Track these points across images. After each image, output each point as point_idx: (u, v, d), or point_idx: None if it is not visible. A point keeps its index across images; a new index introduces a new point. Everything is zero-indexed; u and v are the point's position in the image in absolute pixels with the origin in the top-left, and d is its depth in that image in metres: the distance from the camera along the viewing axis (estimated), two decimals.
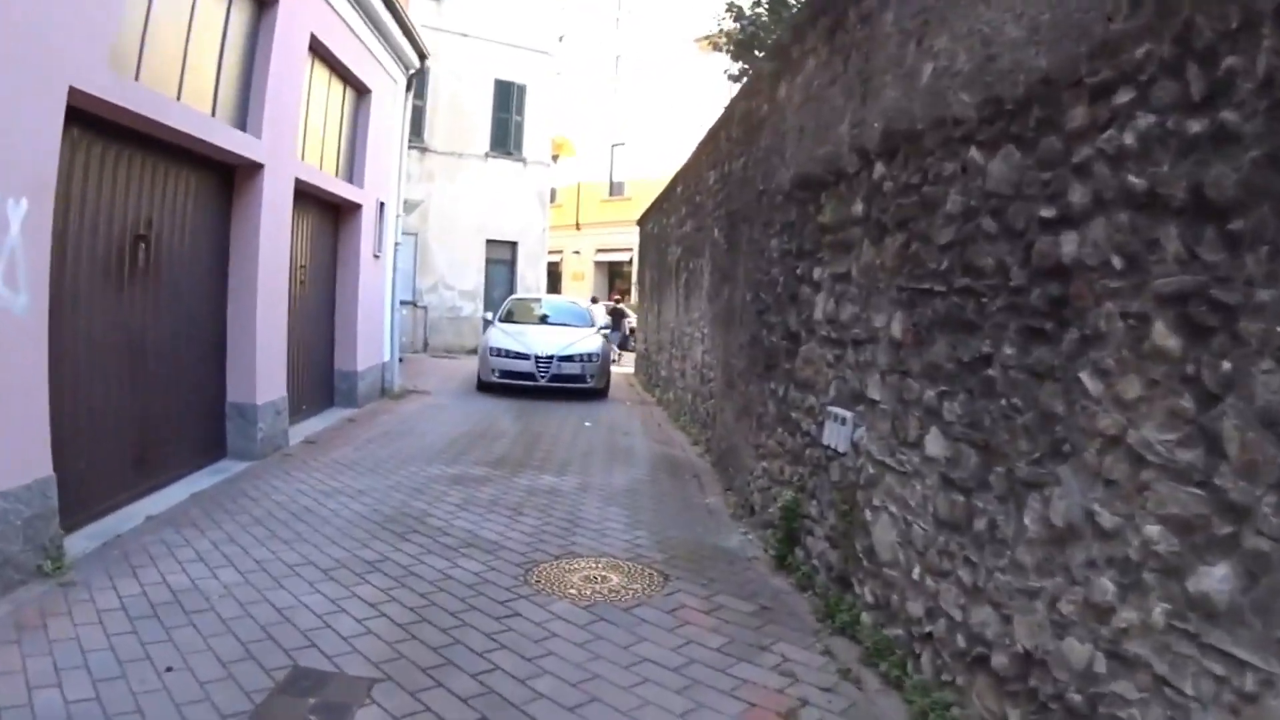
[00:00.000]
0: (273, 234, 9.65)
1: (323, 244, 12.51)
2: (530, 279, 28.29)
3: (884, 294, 4.99)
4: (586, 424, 13.20)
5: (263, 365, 9.55)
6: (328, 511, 7.46)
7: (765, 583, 6.20)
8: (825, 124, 6.15)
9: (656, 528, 7.50)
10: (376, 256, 13.99)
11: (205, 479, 8.50)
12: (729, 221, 9.96)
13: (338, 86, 12.46)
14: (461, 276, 26.58)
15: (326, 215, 12.60)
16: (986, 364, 3.91)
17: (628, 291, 41.79)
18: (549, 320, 18.40)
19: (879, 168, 5.15)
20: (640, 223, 22.40)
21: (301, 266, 11.56)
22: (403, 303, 25.20)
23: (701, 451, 11.17)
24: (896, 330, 4.80)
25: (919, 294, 4.56)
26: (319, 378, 12.58)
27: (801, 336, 6.48)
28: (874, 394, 5.08)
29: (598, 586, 5.86)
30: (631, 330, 33.25)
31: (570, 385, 16.08)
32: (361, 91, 13.26)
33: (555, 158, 30.35)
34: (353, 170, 13.13)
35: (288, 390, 10.48)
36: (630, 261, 40.26)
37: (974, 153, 4.10)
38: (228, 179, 9.22)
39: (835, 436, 5.59)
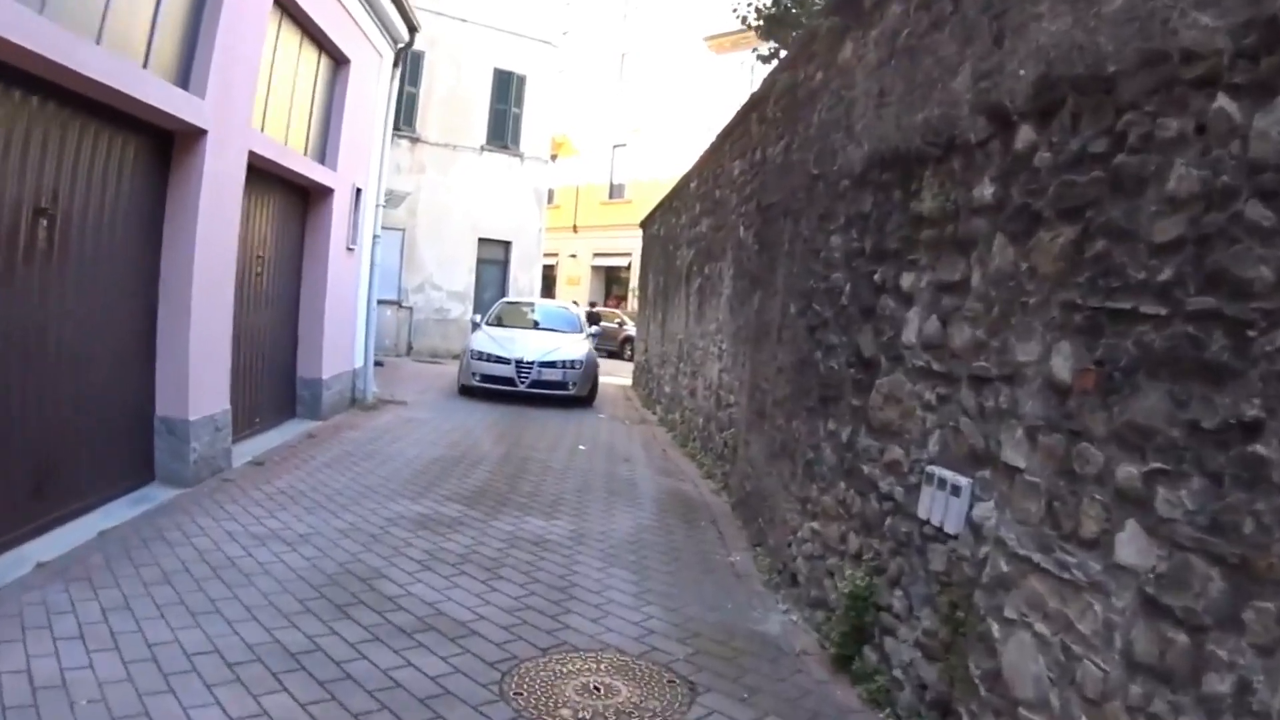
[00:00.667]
0: (216, 215, 8.05)
1: (286, 232, 10.91)
2: (524, 282, 26.69)
3: (1036, 314, 3.41)
4: (581, 447, 11.62)
5: (199, 373, 7.95)
6: (256, 565, 5.86)
7: (825, 695, 4.61)
8: (925, 82, 4.57)
9: (673, 601, 5.90)
10: (350, 250, 12.39)
11: (122, 510, 6.96)
12: (762, 217, 8.41)
13: (310, 53, 10.87)
14: (451, 276, 24.97)
15: (292, 200, 11.01)
16: (1251, 435, 2.36)
17: (624, 298, 40.34)
18: (539, 325, 17.79)
19: (1025, 132, 3.58)
20: (643, 225, 20.86)
21: (258, 257, 9.97)
22: (385, 302, 23.76)
23: (717, 488, 9.60)
24: (1061, 369, 3.22)
25: (1112, 316, 2.98)
26: (278, 386, 10.99)
27: (880, 364, 4.90)
28: (1013, 458, 3.50)
29: (600, 705, 4.25)
30: (627, 339, 31.81)
31: (551, 392, 15.57)
32: (339, 61, 11.67)
33: (554, 156, 28.76)
34: (325, 150, 11.55)
35: (233, 402, 8.90)
36: (629, 267, 38.87)
37: (1223, 102, 2.54)
38: (163, 147, 7.64)
39: (939, 509, 4.00)
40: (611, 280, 42.50)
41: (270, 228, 10.33)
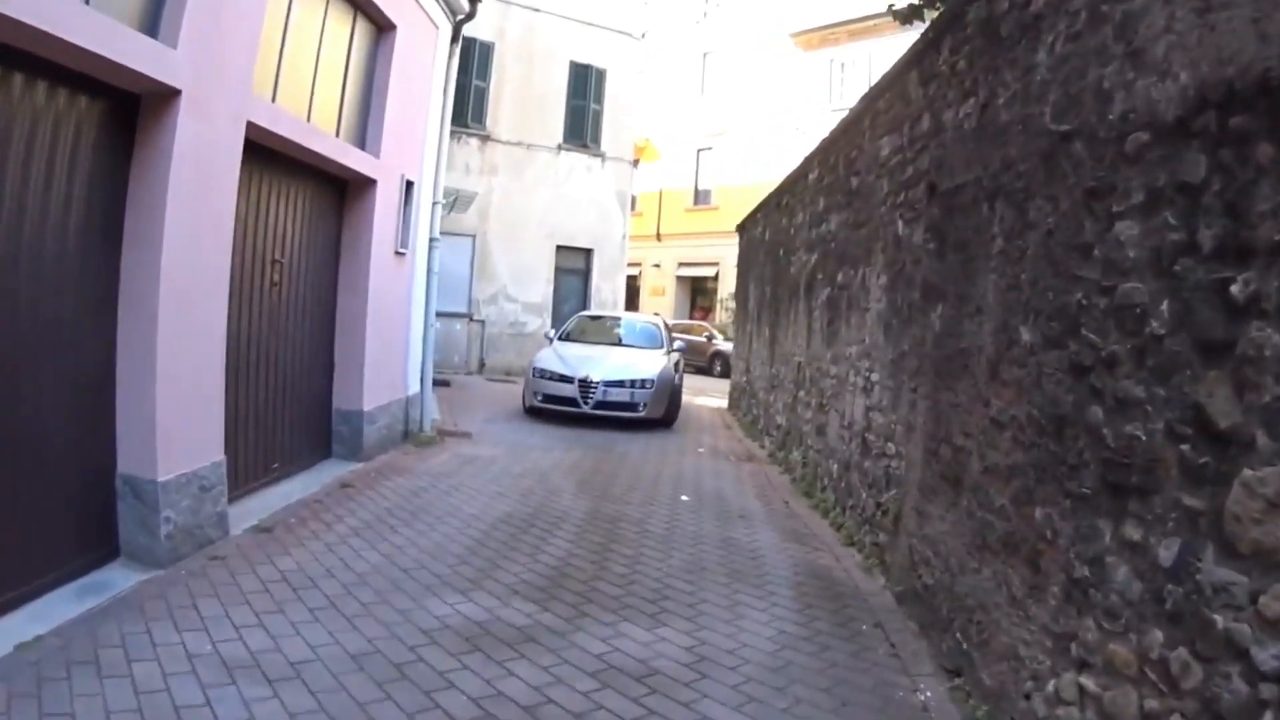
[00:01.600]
0: (196, 204, 5.95)
1: (317, 232, 8.82)
2: (606, 292, 24.53)
3: None
4: (684, 498, 9.31)
5: (171, 416, 5.85)
6: None
7: None
8: None
9: None
10: (400, 254, 10.27)
11: (63, 605, 5.02)
12: (941, 206, 6.04)
13: (343, 11, 8.78)
14: (526, 287, 22.90)
15: (323, 193, 8.92)
16: None
17: (711, 309, 38.05)
18: (618, 341, 16.66)
19: None
20: (740, 229, 18.53)
21: (275, 262, 7.88)
22: (453, 315, 21.81)
23: (866, 562, 7.20)
24: None
25: None
26: (306, 421, 8.89)
27: (1255, 442, 2.54)
28: None
29: None
30: (716, 354, 29.46)
31: (618, 414, 14.23)
32: (381, 27, 9.58)
33: (636, 162, 26.52)
34: (365, 133, 9.45)
35: (235, 448, 6.85)
36: (716, 276, 36.70)
37: None
38: (124, 112, 5.55)
39: None
40: (697, 291, 40.18)
41: (293, 226, 8.24)
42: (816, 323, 10.00)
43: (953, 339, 5.62)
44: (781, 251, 12.87)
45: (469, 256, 22.08)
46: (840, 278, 9.02)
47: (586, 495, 8.99)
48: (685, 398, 19.51)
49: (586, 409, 14.06)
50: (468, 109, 21.64)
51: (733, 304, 35.69)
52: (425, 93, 10.96)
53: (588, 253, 24.17)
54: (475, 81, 21.81)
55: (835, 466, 8.81)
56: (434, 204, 11.59)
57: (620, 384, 14.20)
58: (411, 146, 10.58)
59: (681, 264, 39.13)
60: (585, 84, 23.68)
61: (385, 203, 9.65)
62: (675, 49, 38.53)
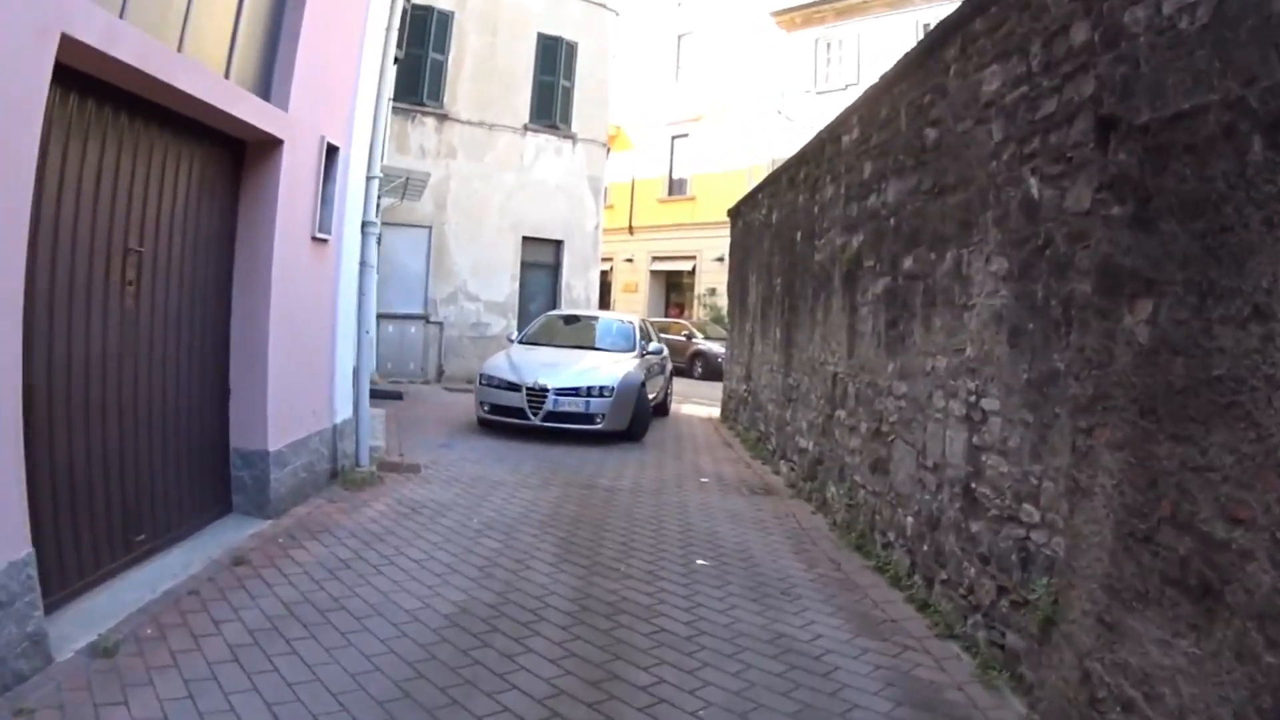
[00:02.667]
0: None
1: (196, 210, 6.41)
2: (578, 289, 22.18)
3: None
4: (700, 562, 6.96)
5: None
6: None
7: None
8: None
9: None
10: (319, 240, 7.88)
11: None
12: (1147, 149, 3.73)
13: None
14: (489, 284, 20.53)
15: (208, 156, 6.52)
16: None
17: (686, 306, 35.81)
18: (586, 343, 14.89)
19: None
20: (733, 214, 16.24)
21: (131, 251, 5.47)
22: (408, 317, 19.40)
23: (986, 673, 4.86)
24: None
25: None
26: (190, 468, 6.48)
27: None
28: None
29: None
30: (697, 354, 27.16)
31: (572, 427, 12.62)
32: None
33: (609, 146, 24.17)
34: (270, 78, 7.07)
35: (62, 527, 4.52)
36: (692, 271, 34.55)
37: None
38: None
39: None
40: (672, 287, 37.99)
41: (160, 202, 5.86)
42: (865, 323, 7.71)
43: (1192, 358, 3.34)
44: (798, 235, 10.59)
45: (424, 251, 19.73)
46: (909, 264, 6.74)
47: (570, 563, 6.64)
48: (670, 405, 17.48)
49: (535, 421, 12.54)
50: (423, 84, 19.28)
51: (711, 300, 33.95)
52: (358, 30, 8.59)
53: (557, 245, 21.81)
54: (432, 54, 19.43)
55: (910, 520, 6.51)
56: (370, 179, 9.24)
57: (574, 392, 12.62)
58: (337, 101, 8.21)
59: (656, 258, 37.00)
60: (555, 58, 21.31)
61: (296, 172, 7.26)
62: (648, 31, 36.24)
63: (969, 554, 5.46)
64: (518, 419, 12.63)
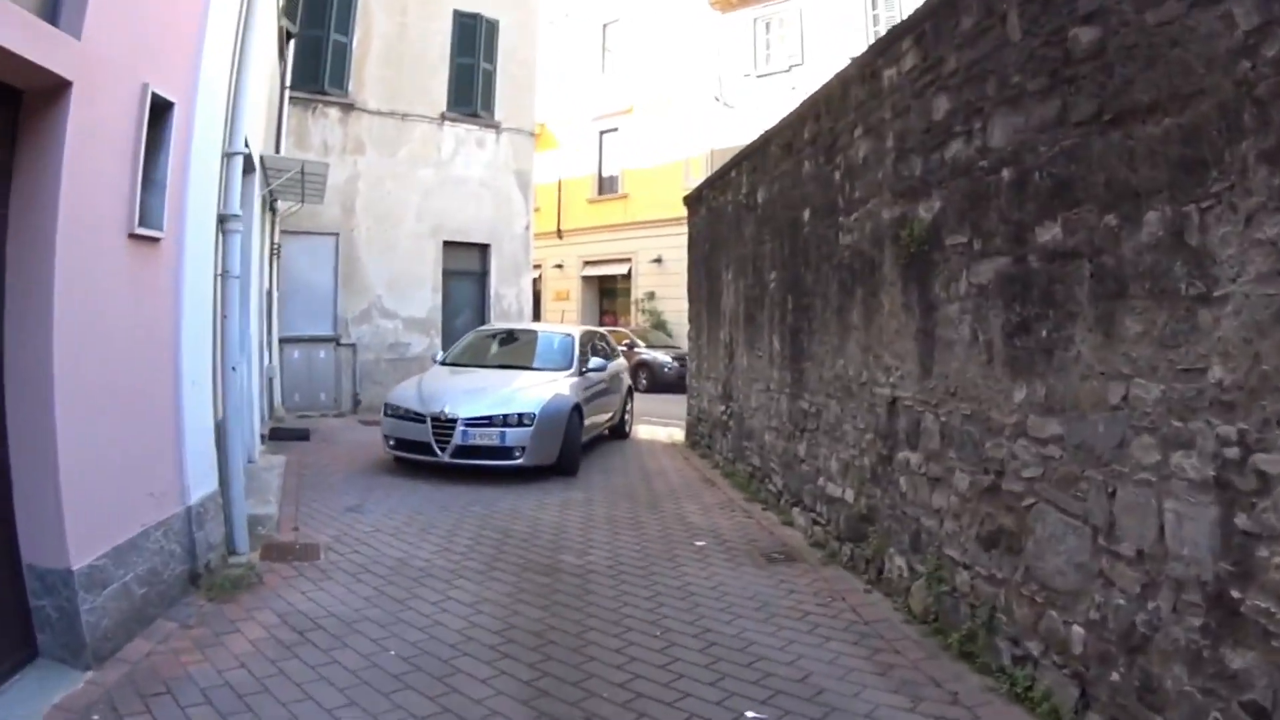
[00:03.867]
0: None
1: None
2: (509, 299, 19.61)
3: None
4: (751, 716, 4.49)
5: None
6: None
7: None
8: None
9: None
10: (145, 239, 5.26)
11: None
12: None
13: None
14: (407, 298, 17.86)
15: None
16: None
17: (620, 314, 33.41)
18: (522, 362, 12.92)
19: None
20: (692, 202, 13.89)
21: None
22: (315, 340, 16.72)
23: None
24: None
25: None
26: None
27: None
28: None
29: None
30: (641, 365, 24.67)
31: (485, 463, 10.71)
32: None
33: (535, 139, 21.63)
34: None
35: None
36: (627, 275, 32.16)
37: None
38: None
39: None
40: (606, 293, 35.50)
41: None
42: (957, 329, 5.36)
43: None
44: (805, 214, 8.24)
45: (331, 262, 17.08)
46: (1051, 234, 4.40)
47: None
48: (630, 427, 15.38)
49: (443, 457, 10.67)
50: (324, 70, 16.65)
51: (651, 305, 31.39)
52: None
53: (483, 250, 19.23)
54: (334, 35, 16.78)
55: (1078, 631, 4.16)
56: (230, 156, 6.67)
57: (487, 422, 10.68)
58: (172, 39, 5.64)
59: (587, 263, 34.55)
60: (474, 38, 18.72)
61: (96, 132, 4.68)
62: (571, 21, 33.83)
63: (1225, 701, 3.15)
64: (424, 455, 10.82)
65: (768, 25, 28.49)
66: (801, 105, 8.41)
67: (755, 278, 9.99)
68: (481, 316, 19.01)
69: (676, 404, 20.28)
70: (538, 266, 30.80)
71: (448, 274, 18.43)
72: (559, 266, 35.10)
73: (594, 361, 13.00)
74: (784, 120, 8.97)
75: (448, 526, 8.07)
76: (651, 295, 30.92)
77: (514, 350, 13.68)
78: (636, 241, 31.62)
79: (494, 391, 11.25)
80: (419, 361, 17.41)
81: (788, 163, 8.81)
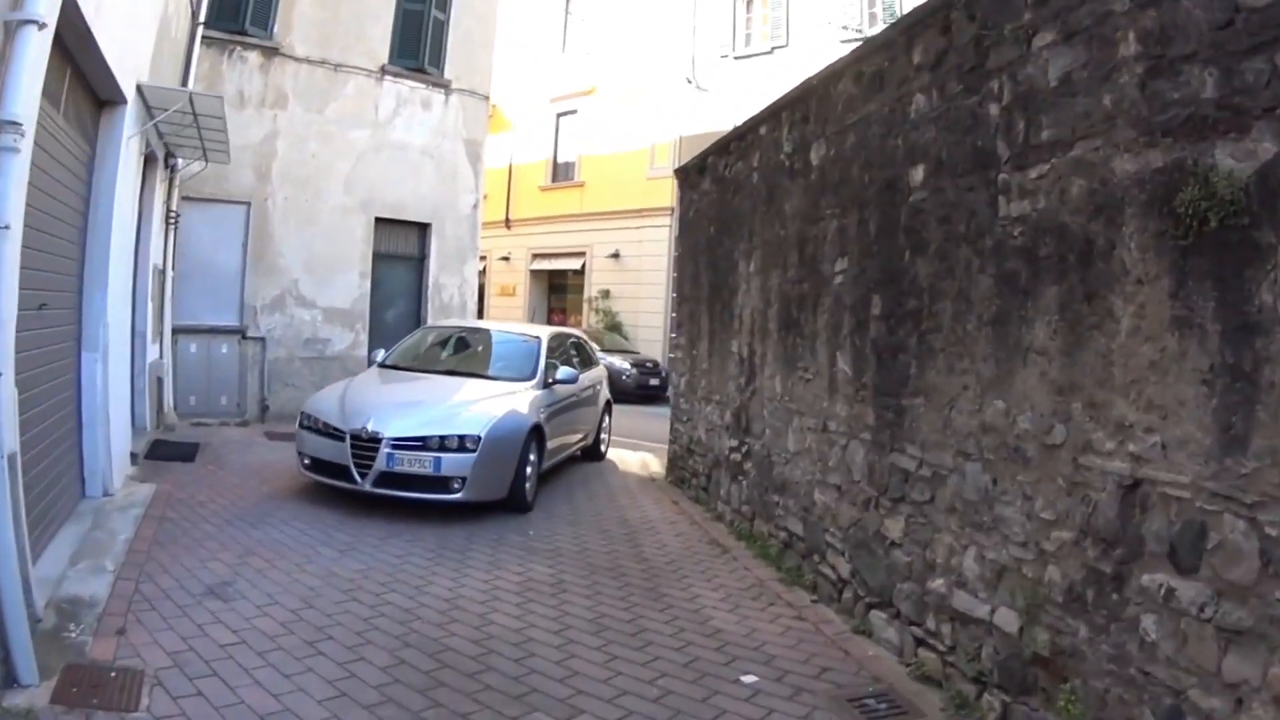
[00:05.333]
0: None
1: None
2: (450, 290, 16.63)
3: None
4: None
5: None
6: None
7: None
8: None
9: None
10: None
11: None
12: None
13: None
14: (329, 284, 14.85)
15: None
16: None
17: (571, 311, 30.65)
18: (476, 369, 10.81)
19: None
20: (689, 174, 11.09)
21: None
22: (217, 331, 13.72)
23: None
24: None
25: None
26: None
27: None
28: None
29: None
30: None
31: (415, 495, 8.48)
32: None
33: (489, 103, 18.70)
34: None
35: None
36: (580, 270, 29.59)
37: None
38: None
39: None
40: (555, 289, 32.62)
41: None
42: None
43: None
44: (918, 175, 5.49)
45: (239, 237, 14.03)
46: None
47: None
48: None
49: (363, 486, 8.49)
50: (245, 6, 13.64)
51: (605, 304, 28.37)
52: None
53: (422, 230, 16.22)
54: None
55: None
56: (11, 22, 3.82)
57: (418, 444, 8.49)
58: None
59: (537, 255, 31.61)
60: None
61: None
62: None
63: None
64: (341, 481, 8.63)
65: (749, 3, 25.94)
66: (909, 18, 5.65)
67: (804, 269, 7.21)
68: (417, 309, 16.07)
69: (641, 418, 17.52)
70: (483, 258, 27.91)
71: (379, 257, 15.41)
72: (505, 259, 32.17)
73: (563, 372, 10.60)
74: (867, 46, 6.23)
75: (350, 638, 5.17)
76: (606, 293, 28.39)
77: (468, 354, 11.53)
78: (592, 234, 28.95)
79: (432, 405, 9.09)
80: (340, 361, 14.47)
81: (874, 102, 6.05)
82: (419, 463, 8.39)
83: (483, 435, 8.55)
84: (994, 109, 4.73)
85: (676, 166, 11.66)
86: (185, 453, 10.44)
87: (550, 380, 10.31)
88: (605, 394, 13.27)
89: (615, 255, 28.20)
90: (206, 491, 8.56)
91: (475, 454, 8.46)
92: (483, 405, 9.08)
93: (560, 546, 7.60)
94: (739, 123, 9.27)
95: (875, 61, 6.05)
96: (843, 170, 6.52)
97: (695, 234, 10.77)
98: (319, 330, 14.62)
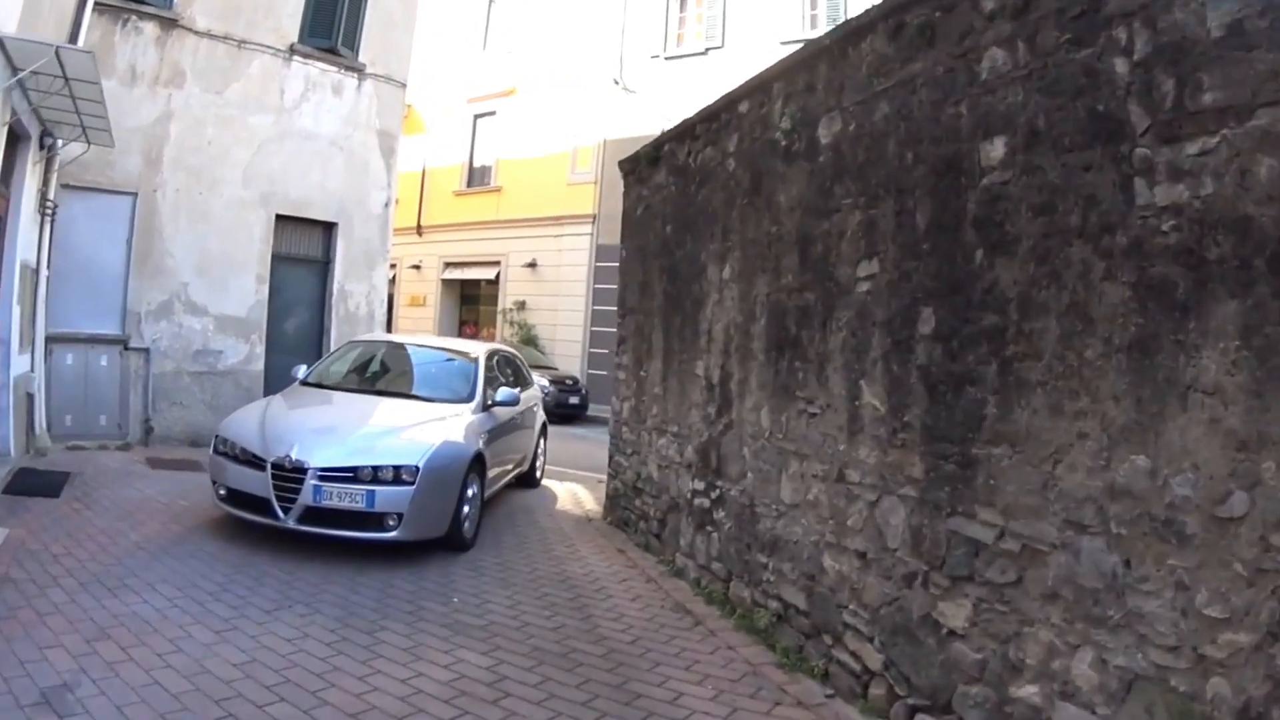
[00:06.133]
0: None
1: None
2: (358, 297, 15.05)
3: None
4: None
5: None
6: None
7: None
8: None
9: None
10: None
11: None
12: None
13: None
14: (222, 288, 13.15)
15: None
16: None
17: (478, 326, 29.22)
18: (409, 389, 9.75)
19: None
20: (637, 165, 9.73)
21: None
22: (96, 340, 11.99)
23: None
24: None
25: None
26: None
27: None
28: None
29: None
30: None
31: (345, 534, 7.42)
32: None
33: (406, 90, 17.21)
34: None
35: None
36: (495, 280, 28.23)
37: None
38: None
39: None
40: (467, 299, 31.12)
41: None
42: None
43: None
44: (995, 150, 4.25)
45: (124, 232, 12.33)
46: None
47: None
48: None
49: (287, 523, 7.39)
50: None
51: (521, 317, 26.71)
52: None
53: (328, 230, 14.62)
54: None
55: None
56: None
57: (350, 475, 7.44)
58: None
59: (449, 264, 30.12)
60: None
61: None
62: None
63: None
64: (262, 517, 7.51)
65: (683, 2, 24.87)
66: None
67: (807, 274, 5.91)
68: (320, 319, 14.48)
69: (562, 440, 16.15)
70: (392, 266, 26.42)
71: (279, 260, 13.77)
72: (416, 267, 30.60)
73: (503, 393, 9.73)
74: None
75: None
76: (522, 305, 27.01)
77: (399, 373, 10.42)
78: (508, 242, 27.65)
79: (363, 431, 8.08)
80: (233, 377, 12.87)
81: (920, 61, 4.78)
82: (349, 497, 7.33)
83: (421, 465, 7.53)
84: (1121, 65, 3.51)
85: (621, 159, 10.30)
86: (51, 485, 8.79)
87: (489, 402, 9.38)
88: (541, 415, 12.30)
89: (532, 264, 27.02)
90: (66, 539, 6.95)
91: (413, 486, 7.44)
92: (419, 431, 8.09)
93: (494, 621, 6.12)
94: (671, 125, 8.16)
95: (921, 12, 4.78)
96: (870, 149, 5.24)
97: (644, 234, 9.44)
98: (210, 341, 12.94)
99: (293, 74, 13.78)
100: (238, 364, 13.00)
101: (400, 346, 11.20)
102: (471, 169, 29.90)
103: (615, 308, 10.52)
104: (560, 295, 26.34)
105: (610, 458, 10.17)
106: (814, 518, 5.64)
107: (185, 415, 12.58)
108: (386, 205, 15.19)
